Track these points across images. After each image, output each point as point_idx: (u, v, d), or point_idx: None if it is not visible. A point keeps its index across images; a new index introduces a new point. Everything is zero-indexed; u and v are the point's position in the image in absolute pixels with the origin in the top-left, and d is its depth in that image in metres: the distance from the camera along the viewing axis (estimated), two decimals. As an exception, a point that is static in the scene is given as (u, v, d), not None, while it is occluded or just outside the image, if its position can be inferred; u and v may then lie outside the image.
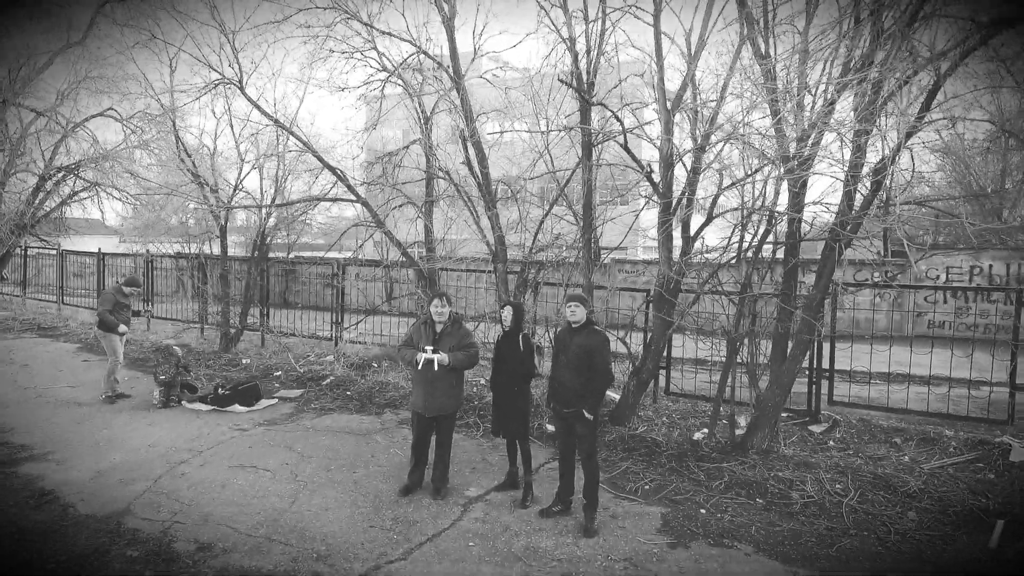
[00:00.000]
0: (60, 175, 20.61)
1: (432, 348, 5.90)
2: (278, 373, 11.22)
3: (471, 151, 8.40)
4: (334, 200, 10.79)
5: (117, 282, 9.27)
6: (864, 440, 8.18)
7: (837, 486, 6.72)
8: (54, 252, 19.83)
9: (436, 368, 5.87)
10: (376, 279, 10.76)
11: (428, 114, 9.97)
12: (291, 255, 14.04)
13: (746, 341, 7.46)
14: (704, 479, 6.81)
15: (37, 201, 20.84)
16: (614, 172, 8.86)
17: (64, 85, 21.00)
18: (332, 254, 13.73)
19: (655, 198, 7.29)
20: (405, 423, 8.57)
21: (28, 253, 21.04)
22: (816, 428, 8.45)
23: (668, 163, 6.86)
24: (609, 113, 7.59)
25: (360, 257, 11.46)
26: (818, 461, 7.27)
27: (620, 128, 7.30)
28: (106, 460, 7.10)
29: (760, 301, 8.14)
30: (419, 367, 5.90)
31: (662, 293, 7.49)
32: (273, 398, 9.73)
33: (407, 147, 10.47)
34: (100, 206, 19.07)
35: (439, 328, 6.07)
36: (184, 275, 15.59)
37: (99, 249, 17.85)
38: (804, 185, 7.13)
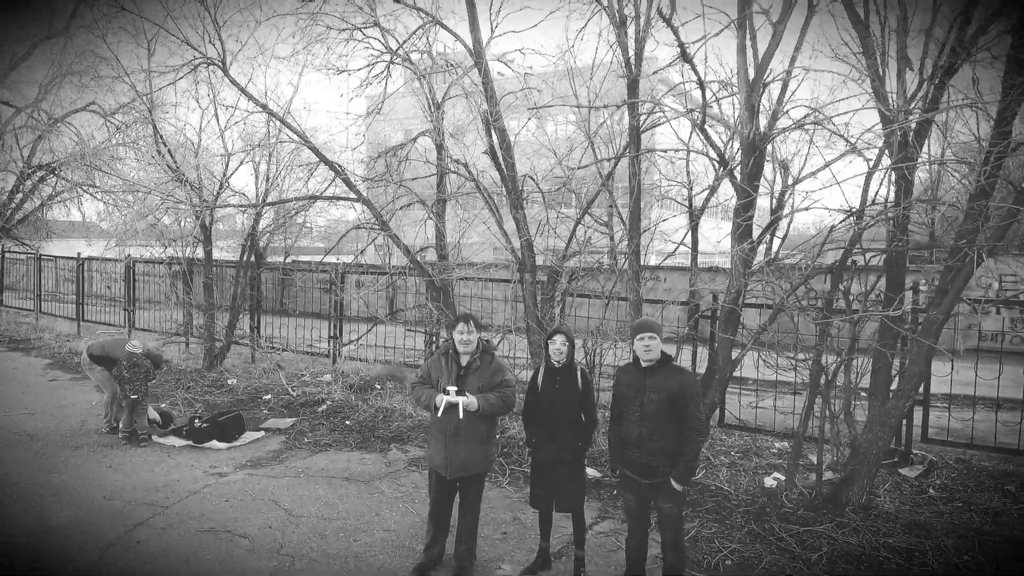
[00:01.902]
0: (40, 174, 19.27)
1: (456, 388, 4.49)
2: (267, 397, 9.81)
3: (495, 137, 6.98)
4: (332, 199, 9.40)
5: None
6: (970, 488, 6.77)
7: (965, 556, 5.33)
8: (30, 256, 18.42)
9: (461, 415, 4.46)
10: (379, 289, 9.36)
11: (439, 101, 8.60)
12: (287, 259, 12.68)
13: (839, 369, 6.04)
14: (797, 548, 5.39)
15: (15, 203, 19.49)
16: (660, 164, 7.45)
17: (46, 78, 19.67)
18: (331, 258, 12.34)
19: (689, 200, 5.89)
20: (416, 464, 7.15)
21: (5, 258, 19.66)
22: (908, 472, 7.03)
23: (750, 148, 5.45)
24: (653, 99, 6.20)
25: (363, 263, 10.01)
26: (929, 521, 5.88)
27: (676, 111, 5.90)
28: (49, 518, 5.70)
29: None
30: (439, 413, 4.49)
31: (734, 308, 6.08)
32: (259, 430, 8.32)
33: (414, 140, 9.07)
34: (80, 208, 17.72)
35: (464, 361, 4.66)
36: (170, 282, 14.20)
37: (79, 254, 16.45)
38: (909, 179, 5.73)
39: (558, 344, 4.68)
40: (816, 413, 6.43)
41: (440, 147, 8.55)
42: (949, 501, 6.43)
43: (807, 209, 5.99)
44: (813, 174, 6.57)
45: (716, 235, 11.86)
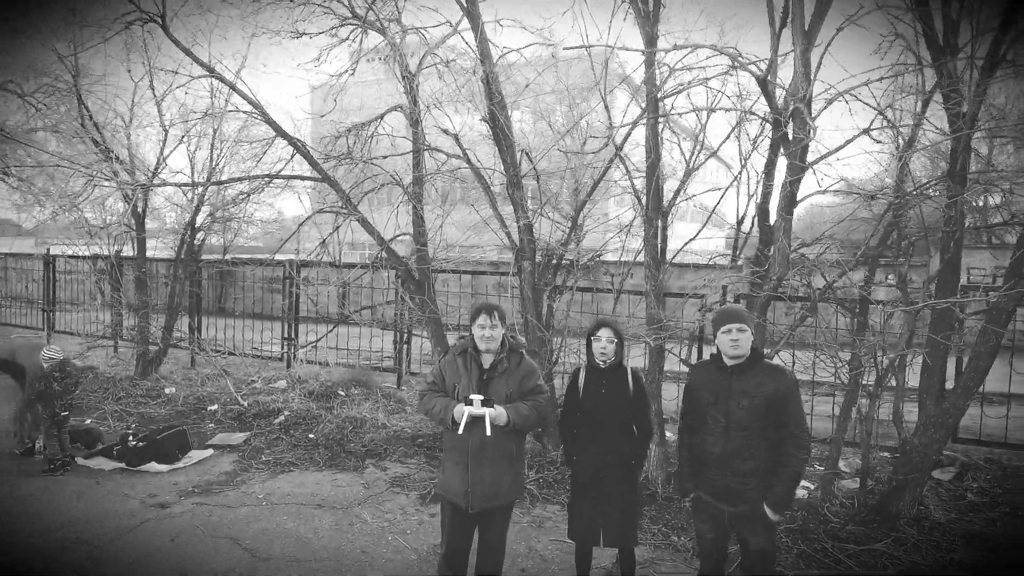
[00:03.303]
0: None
1: (482, 398, 3.54)
2: (213, 408, 8.55)
3: (490, 106, 6.00)
4: (292, 178, 8.22)
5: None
6: (1007, 489, 6.25)
7: None
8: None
9: (489, 431, 3.51)
10: (340, 285, 8.23)
11: (413, 72, 7.57)
12: (228, 256, 11.35)
13: (893, 366, 5.36)
14: (860, 571, 4.66)
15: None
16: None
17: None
18: (283, 255, 11.08)
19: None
20: (400, 484, 6.14)
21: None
22: (941, 475, 6.45)
23: (802, 109, 4.67)
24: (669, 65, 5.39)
25: (318, 259, 8.84)
26: (985, 531, 5.29)
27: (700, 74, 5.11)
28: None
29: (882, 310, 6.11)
30: (460, 428, 3.53)
31: (773, 296, 5.33)
32: (207, 448, 7.12)
33: (382, 116, 7.99)
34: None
35: (487, 362, 3.71)
36: (95, 279, 12.61)
37: (-12, 249, 14.60)
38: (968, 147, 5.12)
39: (603, 341, 3.79)
40: (852, 415, 5.77)
41: (416, 123, 7.52)
42: (994, 506, 5.88)
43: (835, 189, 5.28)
44: (840, 147, 5.93)
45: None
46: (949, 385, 5.57)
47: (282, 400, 8.61)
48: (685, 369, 6.47)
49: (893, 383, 5.56)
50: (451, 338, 7.51)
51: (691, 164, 6.11)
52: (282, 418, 8.02)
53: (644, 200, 5.78)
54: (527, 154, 6.47)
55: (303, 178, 8.03)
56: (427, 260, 7.37)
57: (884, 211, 5.29)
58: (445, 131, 6.69)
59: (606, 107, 5.78)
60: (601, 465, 3.79)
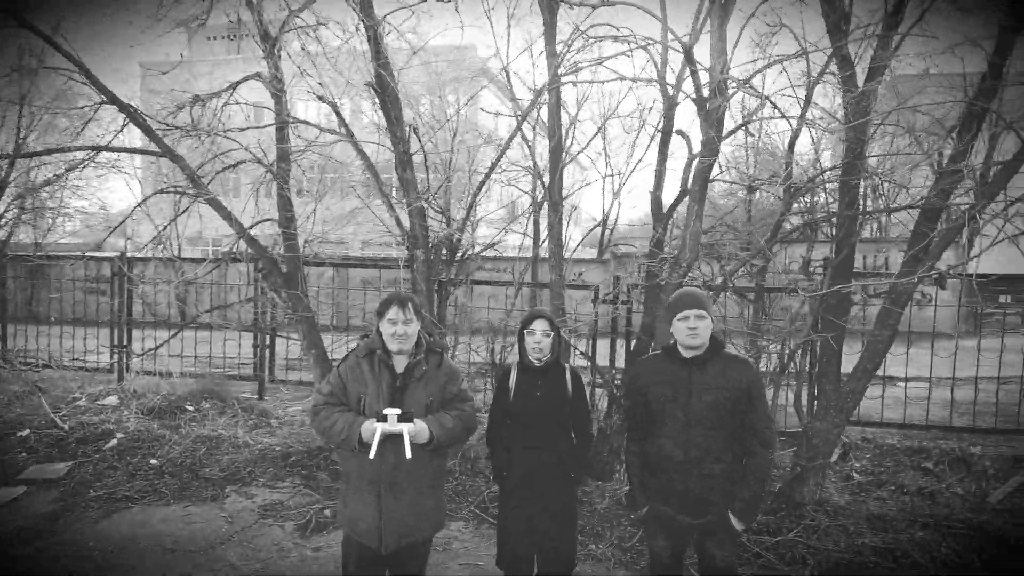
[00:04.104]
0: None
1: (398, 411, 2.84)
2: (24, 433, 6.98)
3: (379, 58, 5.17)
4: (124, 151, 6.86)
5: None
6: (890, 468, 6.53)
7: (943, 548, 4.84)
8: None
9: (409, 452, 2.82)
10: (189, 280, 7.00)
11: (275, 35, 6.57)
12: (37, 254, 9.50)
13: (796, 352, 5.31)
14: (780, 564, 4.52)
15: None
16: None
17: None
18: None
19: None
20: (270, 514, 5.21)
21: None
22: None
23: (719, 90, 4.40)
24: None
25: (162, 251, 7.49)
26: (884, 512, 5.38)
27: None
28: None
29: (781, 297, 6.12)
30: (372, 451, 2.81)
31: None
32: (18, 484, 5.72)
33: (234, 86, 6.89)
34: None
35: (401, 365, 3.02)
36: None
37: None
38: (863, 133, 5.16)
39: (538, 334, 3.23)
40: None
41: (278, 96, 6.53)
42: (880, 485, 6.08)
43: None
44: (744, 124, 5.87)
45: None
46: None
47: (114, 420, 7.21)
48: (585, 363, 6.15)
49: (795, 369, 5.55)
50: (325, 340, 6.65)
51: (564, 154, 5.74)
52: (115, 442, 6.68)
53: (548, 184, 5.31)
54: (415, 130, 5.76)
55: (136, 151, 6.74)
56: (297, 248, 6.42)
57: (790, 199, 5.20)
58: (320, 98, 5.79)
59: (507, 77, 5.23)
60: (534, 466, 3.23)
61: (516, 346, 3.37)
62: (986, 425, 7.14)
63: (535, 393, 3.24)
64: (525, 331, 3.27)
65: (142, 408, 7.58)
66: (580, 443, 3.35)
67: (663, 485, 2.94)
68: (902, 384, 8.06)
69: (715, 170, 5.47)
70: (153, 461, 6.25)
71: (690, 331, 2.85)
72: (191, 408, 7.67)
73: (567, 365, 3.35)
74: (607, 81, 5.25)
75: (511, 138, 5.67)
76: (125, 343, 8.99)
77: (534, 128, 7.91)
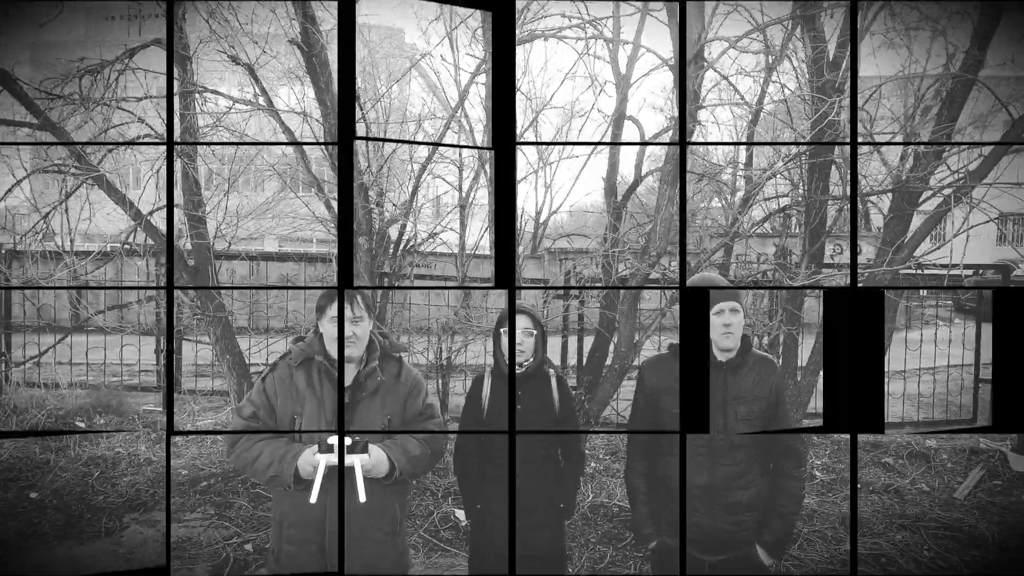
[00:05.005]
0: None
1: (350, 441, 2.17)
2: None
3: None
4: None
5: None
6: (846, 464, 6.34)
7: (925, 551, 4.60)
8: None
9: (362, 494, 2.16)
10: (78, 275, 5.98)
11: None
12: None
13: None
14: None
15: None
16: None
17: None
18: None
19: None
20: (177, 554, 4.37)
21: None
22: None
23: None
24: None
25: (42, 241, 6.38)
26: (861, 514, 5.13)
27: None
28: None
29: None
30: (313, 495, 2.13)
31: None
32: None
33: (131, 54, 5.93)
34: None
35: (350, 375, 2.35)
36: None
37: None
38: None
39: (519, 334, 2.62)
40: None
41: (185, 59, 5.64)
42: (845, 483, 5.86)
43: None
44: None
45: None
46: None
47: (-15, 443, 6.10)
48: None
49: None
50: (242, 344, 5.82)
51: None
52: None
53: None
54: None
55: (6, 122, 5.65)
56: (207, 238, 5.55)
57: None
58: (233, 58, 4.96)
59: (451, 43, 4.60)
60: (513, 494, 2.62)
61: (472, 348, 2.76)
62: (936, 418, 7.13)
63: (516, 405, 2.63)
64: (501, 330, 2.66)
65: (21, 427, 6.50)
66: (569, 467, 2.76)
67: (678, 516, 2.40)
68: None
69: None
70: (33, 495, 5.25)
71: (725, 329, 2.31)
72: (83, 424, 6.64)
73: (551, 370, 2.76)
74: (563, 39, 4.65)
75: (454, 113, 5.03)
76: (3, 350, 7.82)
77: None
